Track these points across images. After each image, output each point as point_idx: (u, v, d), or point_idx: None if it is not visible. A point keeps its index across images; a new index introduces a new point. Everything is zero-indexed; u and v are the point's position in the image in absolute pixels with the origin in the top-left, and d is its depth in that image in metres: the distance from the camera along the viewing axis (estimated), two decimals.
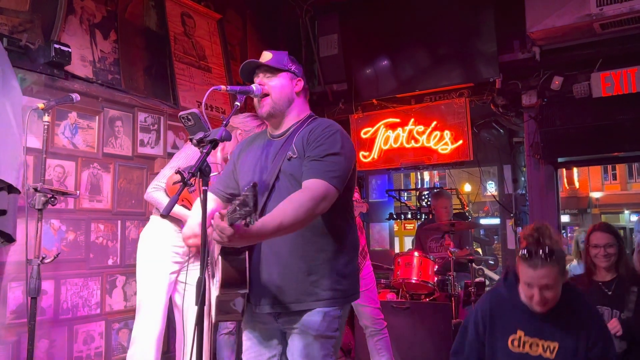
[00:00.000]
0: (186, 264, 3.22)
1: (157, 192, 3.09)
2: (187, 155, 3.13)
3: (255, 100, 2.19)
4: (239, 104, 2.34)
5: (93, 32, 3.86)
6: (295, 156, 2.05)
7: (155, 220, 3.24)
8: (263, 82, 2.16)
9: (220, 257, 2.00)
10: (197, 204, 2.33)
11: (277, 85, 2.16)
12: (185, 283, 3.20)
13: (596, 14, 4.17)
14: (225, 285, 1.99)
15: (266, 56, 2.21)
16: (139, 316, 3.14)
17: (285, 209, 1.86)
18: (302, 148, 2.06)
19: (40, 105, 2.83)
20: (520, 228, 5.37)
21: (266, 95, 2.15)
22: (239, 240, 1.72)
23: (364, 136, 5.68)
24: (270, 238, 1.90)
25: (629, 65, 4.36)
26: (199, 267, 3.12)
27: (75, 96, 2.96)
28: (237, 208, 1.60)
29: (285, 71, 2.19)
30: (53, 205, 2.76)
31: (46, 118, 2.85)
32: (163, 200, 3.03)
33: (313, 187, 1.94)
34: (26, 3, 3.42)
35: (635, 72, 4.33)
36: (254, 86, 2.33)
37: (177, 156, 3.21)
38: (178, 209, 3.02)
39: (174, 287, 3.27)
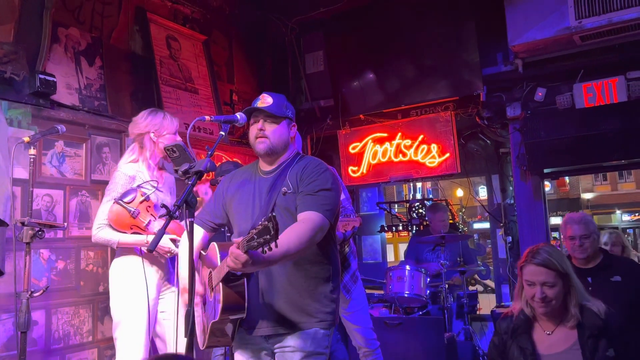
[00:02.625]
0: (162, 292, 3.15)
1: (102, 230, 2.95)
2: (116, 184, 3.03)
3: (252, 137, 2.34)
4: (223, 133, 2.43)
5: (78, 59, 3.88)
6: (290, 191, 2.24)
7: (120, 256, 3.10)
8: (264, 127, 2.31)
9: (221, 284, 2.10)
10: (183, 248, 2.40)
11: (276, 132, 2.32)
12: (159, 311, 3.14)
13: (575, 26, 4.24)
14: (225, 309, 2.11)
15: (267, 100, 2.33)
16: (119, 355, 2.98)
17: (290, 237, 2.03)
18: (296, 184, 2.25)
19: (26, 138, 2.83)
20: (510, 237, 5.40)
21: (265, 137, 2.31)
22: (251, 266, 1.91)
23: (352, 151, 5.72)
24: (276, 264, 2.07)
25: (610, 76, 4.42)
26: (174, 292, 3.10)
27: (61, 128, 2.96)
28: (256, 236, 1.78)
29: (284, 118, 2.35)
30: (41, 239, 2.76)
31: (32, 151, 2.85)
32: (112, 236, 2.93)
33: (310, 218, 2.13)
34: (10, 34, 3.44)
35: (616, 83, 4.39)
36: (238, 115, 2.41)
37: (108, 189, 3.07)
38: (131, 238, 2.93)
39: (155, 319, 3.12)
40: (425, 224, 6.44)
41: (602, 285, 2.97)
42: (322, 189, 2.20)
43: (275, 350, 2.24)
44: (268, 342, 2.24)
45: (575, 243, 3.09)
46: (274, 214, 1.79)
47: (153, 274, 3.07)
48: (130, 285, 3.01)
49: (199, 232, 2.44)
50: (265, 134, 2.30)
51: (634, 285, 2.97)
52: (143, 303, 2.98)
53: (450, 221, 6.89)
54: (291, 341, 2.18)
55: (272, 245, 1.76)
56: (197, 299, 2.40)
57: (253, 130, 2.34)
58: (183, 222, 2.09)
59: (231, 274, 2.04)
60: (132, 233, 2.94)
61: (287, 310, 2.18)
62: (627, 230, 24.24)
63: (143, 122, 3.11)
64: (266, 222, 1.75)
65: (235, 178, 2.48)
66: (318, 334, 2.20)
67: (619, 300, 2.76)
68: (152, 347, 3.27)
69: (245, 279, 2.15)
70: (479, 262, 5.68)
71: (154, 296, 3.08)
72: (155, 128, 3.09)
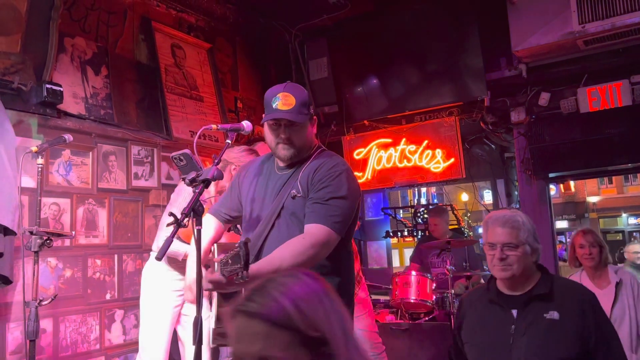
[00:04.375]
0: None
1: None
2: (184, 197, 3.07)
3: (272, 141, 2.14)
4: (229, 141, 2.39)
5: (84, 68, 3.91)
6: (299, 195, 2.06)
7: (154, 257, 3.25)
8: (288, 135, 2.10)
9: (216, 293, 2.07)
10: (192, 255, 2.29)
11: (302, 137, 2.12)
12: (182, 314, 3.23)
13: (579, 31, 4.24)
14: (220, 318, 2.08)
15: (289, 101, 2.08)
16: (141, 355, 3.12)
17: (283, 255, 1.88)
18: (307, 187, 2.07)
19: (34, 148, 2.86)
20: None
21: (289, 144, 2.11)
22: (233, 287, 1.80)
23: (357, 157, 5.73)
24: None
25: (614, 80, 4.43)
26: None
27: (68, 137, 3.00)
28: (230, 261, 1.67)
29: (308, 120, 2.15)
30: (49, 247, 2.78)
31: (40, 160, 2.88)
32: (179, 247, 2.99)
33: (315, 233, 1.94)
34: (17, 45, 3.47)
35: (621, 87, 4.40)
36: (244, 123, 2.37)
37: (176, 202, 3.13)
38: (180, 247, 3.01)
39: (178, 321, 3.26)
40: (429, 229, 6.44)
41: (531, 324, 1.98)
42: (333, 196, 1.99)
43: None
44: None
45: (494, 254, 2.06)
46: (249, 238, 1.66)
47: (180, 277, 3.14)
48: (156, 288, 3.13)
49: (214, 224, 2.32)
50: (290, 141, 2.10)
51: (577, 329, 1.93)
52: (166, 306, 3.08)
53: (456, 226, 6.90)
54: None
55: (244, 275, 1.61)
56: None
57: (273, 135, 2.13)
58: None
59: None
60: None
61: None
62: (634, 233, 24.16)
63: (236, 154, 3.15)
64: (237, 249, 1.62)
65: (251, 169, 2.34)
66: None
67: (553, 349, 1.92)
68: (174, 349, 3.35)
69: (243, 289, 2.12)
70: (484, 267, 5.64)
71: (179, 301, 3.17)
72: (242, 164, 3.10)
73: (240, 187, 2.32)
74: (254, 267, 1.73)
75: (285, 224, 2.08)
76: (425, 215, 6.70)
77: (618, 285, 3.36)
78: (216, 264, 2.33)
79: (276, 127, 2.11)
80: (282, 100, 2.07)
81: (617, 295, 3.33)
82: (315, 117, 2.22)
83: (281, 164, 2.21)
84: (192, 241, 2.35)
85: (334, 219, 1.97)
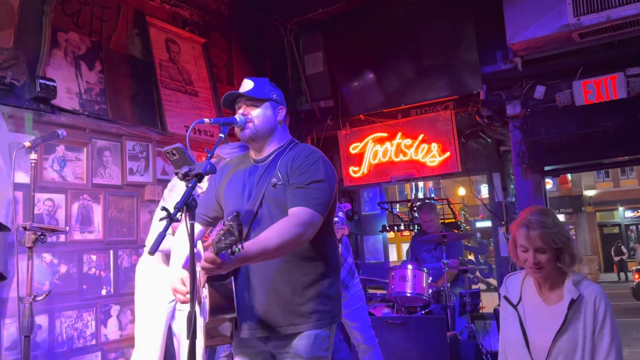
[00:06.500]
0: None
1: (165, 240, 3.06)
2: (180, 194, 3.10)
3: (237, 127, 2.25)
4: (222, 135, 2.39)
5: (78, 63, 3.90)
6: (280, 183, 2.12)
7: (147, 252, 3.25)
8: (247, 112, 2.22)
9: (207, 284, 2.04)
10: (175, 253, 2.31)
11: (259, 115, 2.22)
12: (176, 309, 3.23)
13: (574, 24, 4.23)
14: (213, 311, 2.04)
15: (247, 85, 2.26)
16: (136, 350, 3.14)
17: (270, 234, 1.93)
18: (286, 174, 2.13)
19: (27, 143, 2.85)
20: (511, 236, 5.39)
21: (249, 122, 2.21)
22: (225, 267, 1.81)
23: (352, 151, 5.72)
24: (255, 261, 1.97)
25: (609, 73, 4.41)
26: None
27: (62, 132, 2.99)
28: (222, 238, 1.68)
29: (267, 100, 2.25)
30: (43, 243, 2.77)
31: (33, 156, 2.86)
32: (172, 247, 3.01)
33: (299, 214, 2.00)
34: (10, 39, 3.45)
35: (616, 79, 4.38)
36: (237, 117, 2.37)
37: (166, 197, 3.16)
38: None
39: (172, 316, 3.28)
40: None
41: None
42: (313, 180, 2.07)
43: (276, 354, 2.13)
44: (267, 345, 2.12)
45: None
46: (239, 212, 1.70)
47: None
48: (150, 283, 3.14)
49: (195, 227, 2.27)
50: (249, 118, 2.21)
51: None
52: (160, 301, 3.08)
53: (451, 220, 6.91)
54: (289, 347, 2.06)
55: (239, 246, 1.65)
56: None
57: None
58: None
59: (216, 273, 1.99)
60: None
61: (280, 312, 2.06)
62: (630, 227, 24.25)
63: (229, 150, 3.16)
64: (230, 223, 1.65)
65: (227, 168, 2.39)
66: (317, 337, 2.06)
67: None
68: (170, 344, 3.35)
69: (232, 278, 2.06)
70: (462, 258, 5.59)
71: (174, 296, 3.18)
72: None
73: (218, 187, 2.35)
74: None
75: (267, 212, 2.13)
76: None
77: (572, 304, 2.12)
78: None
79: (238, 110, 2.24)
80: (241, 86, 2.25)
81: (568, 320, 2.12)
82: (283, 107, 2.31)
83: (256, 157, 2.29)
84: (178, 238, 2.39)
85: (316, 201, 2.04)
